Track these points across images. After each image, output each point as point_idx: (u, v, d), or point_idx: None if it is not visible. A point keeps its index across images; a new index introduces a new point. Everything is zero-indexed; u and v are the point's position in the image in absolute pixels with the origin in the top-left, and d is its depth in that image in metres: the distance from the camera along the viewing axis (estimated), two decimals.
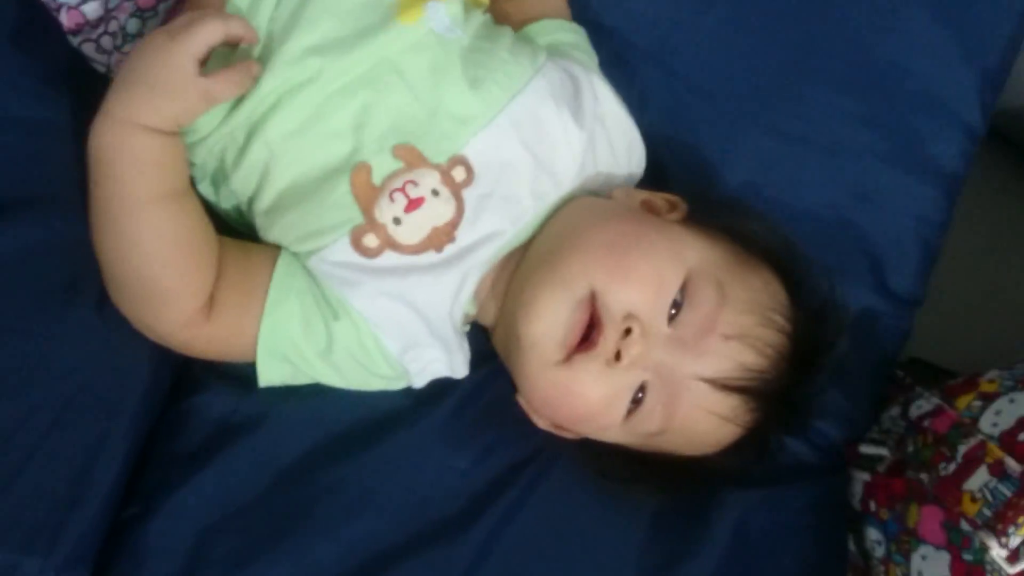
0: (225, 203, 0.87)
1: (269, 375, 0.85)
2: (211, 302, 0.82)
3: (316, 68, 0.81)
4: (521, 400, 0.90)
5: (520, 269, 0.87)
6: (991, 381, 0.98)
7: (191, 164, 0.85)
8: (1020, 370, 0.98)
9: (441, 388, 0.91)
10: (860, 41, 1.01)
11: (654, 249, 0.84)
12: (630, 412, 0.84)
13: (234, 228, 0.89)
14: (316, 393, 0.87)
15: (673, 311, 0.83)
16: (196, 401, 0.89)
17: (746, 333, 0.84)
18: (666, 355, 0.83)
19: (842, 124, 1.01)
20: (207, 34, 0.76)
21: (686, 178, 1.00)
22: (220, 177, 0.85)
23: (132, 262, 0.80)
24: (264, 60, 0.82)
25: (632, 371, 0.83)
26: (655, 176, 0.98)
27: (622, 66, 0.99)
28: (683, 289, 0.84)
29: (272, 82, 0.81)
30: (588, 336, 0.82)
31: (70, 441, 0.81)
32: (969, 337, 1.18)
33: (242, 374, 0.86)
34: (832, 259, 0.99)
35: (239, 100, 0.82)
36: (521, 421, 0.90)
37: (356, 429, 0.89)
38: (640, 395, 0.84)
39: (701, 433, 0.86)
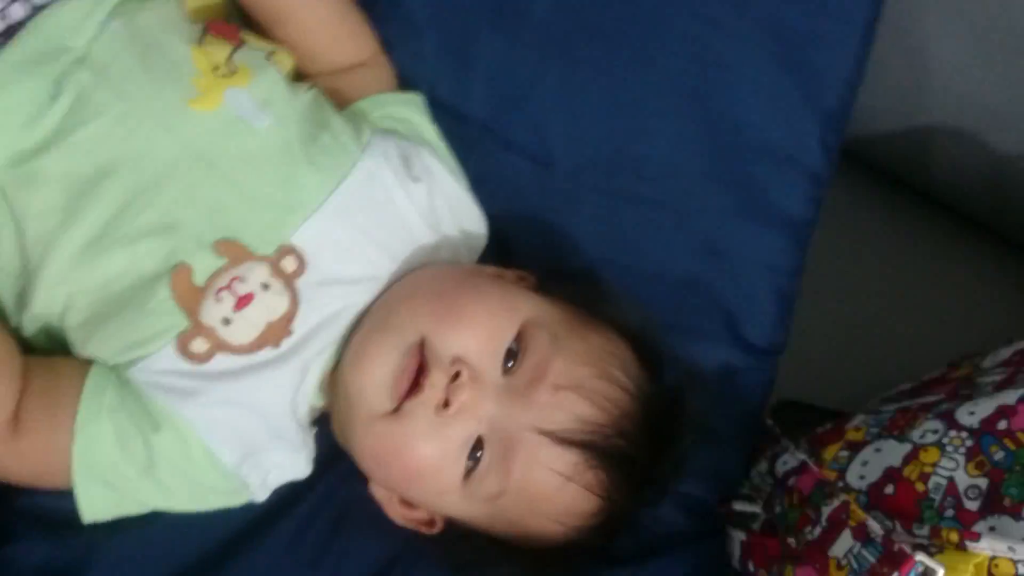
0: (30, 329, 0.82)
1: (92, 506, 0.80)
2: (16, 418, 0.78)
3: (107, 160, 0.77)
4: (374, 491, 0.87)
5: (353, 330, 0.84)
6: (857, 429, 0.97)
7: None
8: (885, 415, 0.97)
9: (287, 499, 0.86)
10: (698, 95, 0.99)
11: (486, 297, 0.83)
12: (468, 472, 0.81)
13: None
14: (145, 525, 0.82)
15: (509, 363, 0.81)
16: (7, 552, 0.83)
17: (580, 384, 0.81)
18: (499, 406, 0.80)
19: (685, 180, 0.99)
20: None
21: (532, 249, 0.97)
22: (19, 305, 0.80)
23: None
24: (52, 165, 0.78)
25: (464, 422, 0.80)
26: (501, 256, 0.96)
27: (458, 139, 0.96)
28: (518, 339, 0.81)
29: (55, 183, 0.77)
30: (418, 383, 0.79)
31: None
32: (845, 373, 1.17)
33: (61, 516, 0.81)
34: (687, 317, 0.99)
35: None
36: (378, 522, 0.87)
37: (194, 560, 0.84)
38: (478, 453, 0.81)
39: (544, 495, 0.82)
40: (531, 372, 0.81)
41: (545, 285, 0.90)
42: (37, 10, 0.80)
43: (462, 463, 0.81)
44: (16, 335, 0.82)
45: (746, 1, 0.99)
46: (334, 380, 0.84)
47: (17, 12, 0.80)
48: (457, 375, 0.78)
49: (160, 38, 0.82)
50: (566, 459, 0.80)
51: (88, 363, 0.81)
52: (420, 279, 0.85)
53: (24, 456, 0.79)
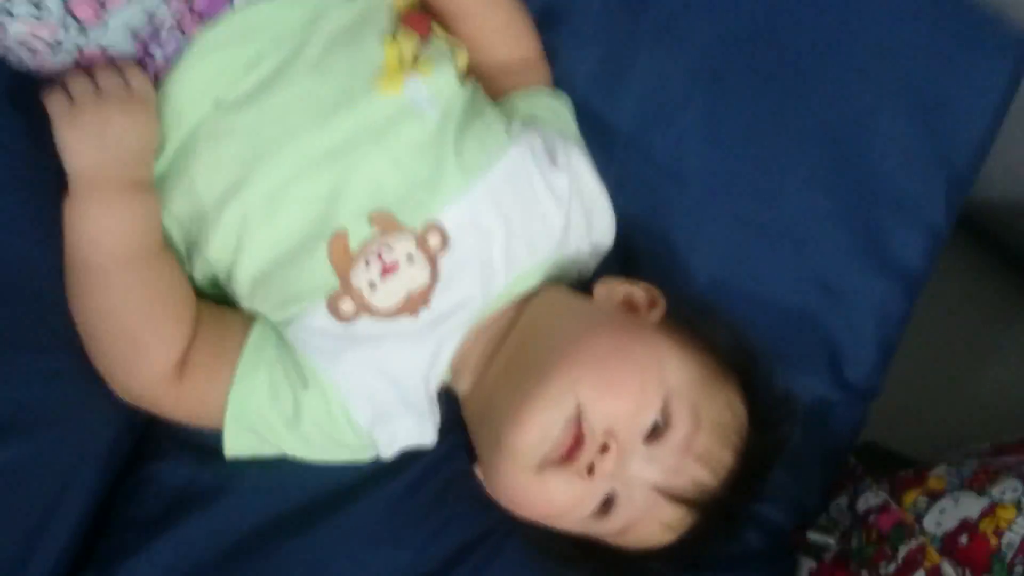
0: (199, 274, 0.89)
1: (236, 445, 0.87)
2: (184, 361, 0.85)
3: (292, 126, 0.84)
4: (478, 472, 0.92)
5: (506, 364, 0.88)
6: (939, 478, 1.01)
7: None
8: (967, 469, 1.01)
9: (403, 459, 0.92)
10: (836, 140, 1.04)
11: (640, 368, 0.86)
12: (595, 514, 0.87)
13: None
14: (277, 464, 0.89)
15: (651, 429, 0.86)
16: (156, 468, 0.91)
17: (709, 455, 0.87)
18: (637, 469, 0.85)
19: (812, 219, 1.04)
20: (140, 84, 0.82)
21: (656, 262, 1.02)
22: (194, 249, 0.88)
23: (112, 320, 0.84)
24: (244, 122, 0.85)
25: (603, 483, 0.85)
26: (625, 257, 1.01)
27: (602, 148, 1.01)
28: (662, 409, 0.86)
29: (248, 142, 0.84)
30: (570, 452, 0.84)
31: (24, 500, 0.83)
32: (926, 424, 1.21)
33: (205, 443, 0.88)
34: (793, 349, 1.03)
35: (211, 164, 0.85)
36: (477, 498, 0.92)
37: (313, 501, 0.91)
38: (609, 502, 0.86)
39: (646, 535, 0.89)
40: (676, 445, 0.86)
41: (672, 313, 0.94)
42: None
43: (590, 510, 0.87)
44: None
45: (895, 56, 1.04)
46: (465, 364, 0.90)
47: None
48: (605, 447, 0.84)
49: (359, 25, 0.89)
50: (675, 513, 0.87)
51: (251, 318, 0.88)
52: (573, 330, 0.89)
53: (183, 397, 0.86)
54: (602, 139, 1.02)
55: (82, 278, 0.83)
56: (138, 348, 0.84)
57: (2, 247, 0.84)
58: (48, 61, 0.82)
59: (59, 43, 0.79)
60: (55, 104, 0.81)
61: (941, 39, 1.05)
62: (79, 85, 0.81)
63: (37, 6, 0.76)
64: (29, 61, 0.82)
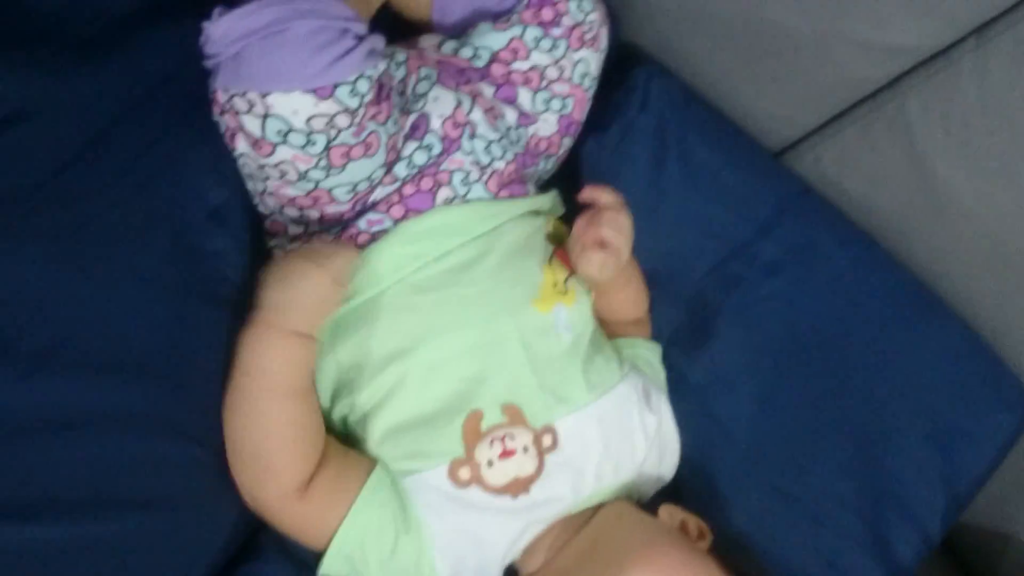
0: (336, 414, 1.03)
1: (331, 567, 0.98)
2: (308, 486, 0.96)
3: (464, 316, 1.01)
4: None
5: (577, 554, 1.01)
6: None
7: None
8: None
9: None
10: (864, 440, 1.21)
11: None
12: None
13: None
14: None
15: None
16: (256, 567, 1.02)
17: None
18: None
19: (832, 501, 1.19)
20: (343, 261, 0.97)
21: (699, 499, 1.16)
22: (344, 390, 1.01)
23: (255, 438, 0.96)
24: (426, 302, 1.01)
25: None
26: (672, 489, 1.16)
27: (672, 391, 1.18)
28: None
29: (425, 319, 1.00)
30: None
31: (157, 567, 0.93)
32: None
33: (303, 558, 1.00)
34: None
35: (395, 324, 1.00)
36: None
37: None
38: None
39: None
40: None
41: (717, 549, 1.08)
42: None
43: None
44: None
45: (925, 383, 1.24)
46: (538, 548, 1.04)
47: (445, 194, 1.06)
48: None
49: (527, 247, 1.08)
50: None
51: (372, 462, 1.01)
52: (647, 539, 1.03)
53: (299, 517, 0.98)
54: (673, 384, 1.19)
55: (238, 398, 0.96)
56: (269, 468, 0.96)
57: (183, 346, 0.96)
58: (286, 188, 0.98)
59: (305, 174, 0.96)
60: (278, 248, 0.98)
61: (966, 379, 1.25)
62: (297, 240, 0.98)
63: (308, 140, 0.93)
64: (271, 184, 0.98)
